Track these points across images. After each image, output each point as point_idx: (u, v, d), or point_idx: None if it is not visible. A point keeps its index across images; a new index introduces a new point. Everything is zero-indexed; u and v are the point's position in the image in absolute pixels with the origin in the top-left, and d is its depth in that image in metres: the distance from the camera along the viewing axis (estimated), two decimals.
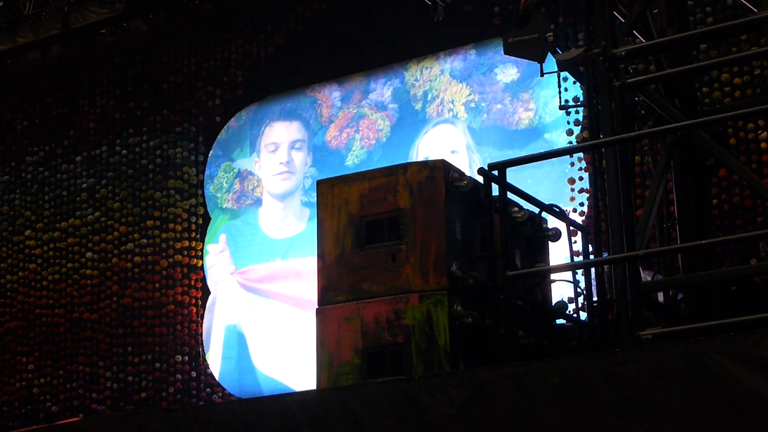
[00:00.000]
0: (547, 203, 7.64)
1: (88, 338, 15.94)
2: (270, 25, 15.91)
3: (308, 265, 14.17)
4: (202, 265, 15.78)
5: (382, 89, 15.10)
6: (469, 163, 13.96)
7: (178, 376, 15.30)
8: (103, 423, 7.02)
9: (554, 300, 7.64)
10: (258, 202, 15.81)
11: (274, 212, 15.67)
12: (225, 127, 16.20)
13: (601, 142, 7.22)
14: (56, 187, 16.92)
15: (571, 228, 8.02)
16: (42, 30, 15.95)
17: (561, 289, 8.00)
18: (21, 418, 16.08)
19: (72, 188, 16.80)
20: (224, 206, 16.02)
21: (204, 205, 16.04)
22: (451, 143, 14.34)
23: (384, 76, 15.15)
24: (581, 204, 13.03)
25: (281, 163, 15.73)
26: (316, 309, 6.86)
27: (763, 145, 12.11)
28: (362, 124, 15.14)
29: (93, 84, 17.01)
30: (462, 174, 6.89)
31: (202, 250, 15.83)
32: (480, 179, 6.90)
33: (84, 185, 16.72)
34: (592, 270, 7.51)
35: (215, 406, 8.97)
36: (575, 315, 7.65)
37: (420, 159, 14.08)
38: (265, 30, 15.94)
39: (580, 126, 13.13)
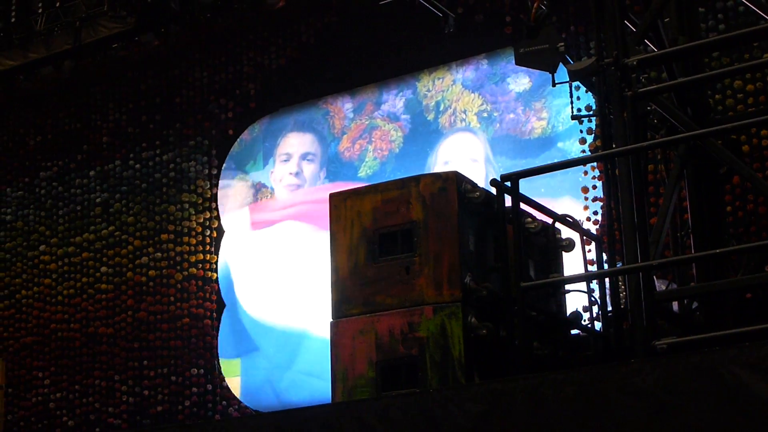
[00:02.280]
0: (560, 213, 7.62)
1: (103, 352, 15.97)
2: (281, 38, 15.94)
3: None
4: (217, 277, 15.79)
5: (395, 100, 15.11)
6: (485, 173, 13.94)
7: (194, 389, 15.31)
8: None
9: (569, 310, 7.61)
10: None
11: None
12: (238, 140, 16.22)
13: (614, 152, 7.20)
14: (70, 202, 16.96)
15: (585, 237, 7.99)
16: (54, 45, 15.98)
17: (575, 300, 7.97)
18: None
19: (86, 203, 16.84)
20: None
21: (218, 218, 16.06)
22: (470, 152, 14.32)
23: (396, 87, 15.15)
24: (595, 213, 13.02)
25: (291, 173, 15.74)
26: (330, 322, 6.85)
27: None
28: (375, 135, 15.14)
29: (105, 98, 17.07)
30: (474, 185, 6.87)
31: (216, 263, 15.84)
32: (493, 190, 6.89)
33: (98, 200, 16.75)
34: (606, 280, 7.48)
35: (231, 421, 9.00)
36: (590, 325, 7.63)
37: (439, 167, 14.11)
38: (276, 42, 15.97)
39: (593, 135, 13.10)
